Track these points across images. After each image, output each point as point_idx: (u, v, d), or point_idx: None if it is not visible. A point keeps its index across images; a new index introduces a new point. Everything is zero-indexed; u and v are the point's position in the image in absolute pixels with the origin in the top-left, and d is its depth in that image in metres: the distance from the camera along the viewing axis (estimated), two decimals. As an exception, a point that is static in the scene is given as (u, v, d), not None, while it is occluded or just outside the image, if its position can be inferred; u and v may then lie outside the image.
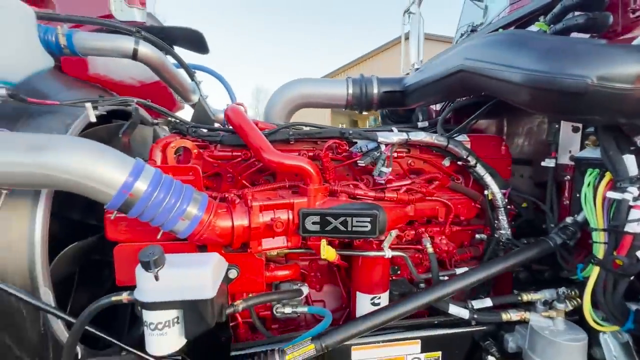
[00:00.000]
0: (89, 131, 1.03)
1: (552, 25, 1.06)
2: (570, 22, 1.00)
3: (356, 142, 1.16)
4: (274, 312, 1.14)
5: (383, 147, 1.12)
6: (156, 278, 0.67)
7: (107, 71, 1.35)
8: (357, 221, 0.92)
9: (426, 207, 1.22)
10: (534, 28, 1.13)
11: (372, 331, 1.05)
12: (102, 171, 0.70)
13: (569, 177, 1.14)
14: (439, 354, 1.09)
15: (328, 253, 0.94)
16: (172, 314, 0.72)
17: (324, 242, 0.93)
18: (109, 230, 0.93)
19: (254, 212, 0.89)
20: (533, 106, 0.95)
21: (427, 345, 1.08)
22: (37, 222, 0.87)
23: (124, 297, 0.73)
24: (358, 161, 1.11)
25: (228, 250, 0.96)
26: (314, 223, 0.93)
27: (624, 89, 0.73)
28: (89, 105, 0.98)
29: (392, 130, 1.16)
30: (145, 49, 1.20)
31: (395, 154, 1.23)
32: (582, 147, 1.10)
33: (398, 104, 1.63)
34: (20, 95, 0.86)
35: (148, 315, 0.71)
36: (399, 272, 1.29)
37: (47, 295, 0.88)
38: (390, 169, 1.10)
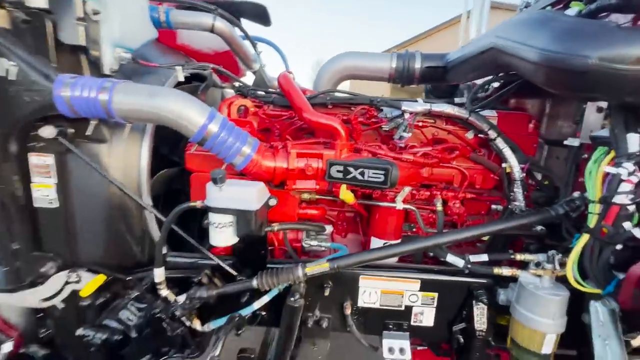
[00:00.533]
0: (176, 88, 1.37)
1: (587, 5, 1.09)
2: (604, 2, 1.03)
3: (382, 110, 1.34)
4: (303, 245, 1.42)
5: (407, 115, 1.28)
6: (220, 189, 0.97)
7: (190, 41, 1.69)
8: (372, 173, 1.13)
9: (442, 173, 1.37)
10: (573, 8, 1.16)
11: (379, 269, 1.28)
12: (191, 114, 1.00)
13: (586, 155, 1.19)
14: (435, 294, 1.28)
15: (346, 195, 1.17)
16: (229, 218, 1.02)
17: (344, 186, 1.16)
18: (188, 162, 1.27)
19: (291, 157, 1.15)
20: (548, 84, 1.03)
21: (426, 285, 1.27)
22: (143, 151, 1.24)
23: (198, 203, 1.05)
24: (383, 126, 1.30)
25: (270, 186, 1.24)
26: (338, 171, 1.16)
27: (623, 70, 0.80)
28: (179, 68, 1.31)
29: (417, 101, 1.30)
30: (220, 24, 1.49)
31: (420, 123, 1.38)
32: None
33: (439, 80, 1.72)
34: (136, 59, 1.20)
35: (213, 217, 1.03)
36: (414, 230, 1.48)
37: (148, 202, 1.26)
38: (409, 134, 1.26)
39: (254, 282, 1.14)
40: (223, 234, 1.03)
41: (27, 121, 1.06)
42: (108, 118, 1.04)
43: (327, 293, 1.25)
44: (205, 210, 1.08)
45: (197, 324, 1.22)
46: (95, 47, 1.07)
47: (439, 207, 1.30)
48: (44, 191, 1.16)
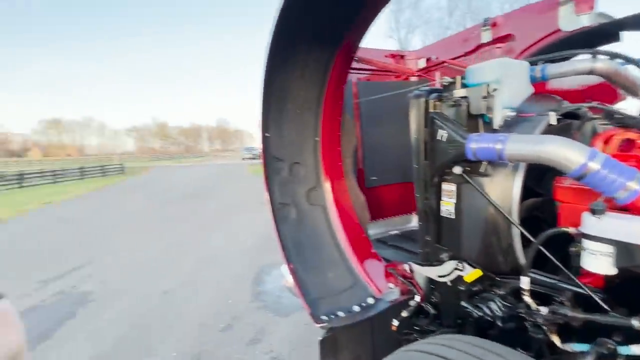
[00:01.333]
0: (548, 128, 1.60)
1: None
2: None
3: None
4: None
5: None
6: (599, 219, 1.09)
7: (560, 84, 1.85)
8: None
9: None
10: None
11: None
12: (571, 155, 1.20)
13: None
14: None
15: None
16: (607, 248, 1.10)
17: None
18: (559, 194, 1.46)
19: None
20: None
21: None
22: (516, 182, 1.58)
23: (572, 230, 1.22)
24: None
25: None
26: None
27: None
28: (552, 113, 1.55)
29: None
30: (600, 64, 1.54)
31: None
32: None
33: None
34: (516, 114, 1.59)
35: (589, 244, 1.15)
36: None
37: (515, 221, 1.59)
38: None
39: (636, 322, 1.10)
40: (599, 262, 1.13)
41: (447, 164, 1.76)
42: (497, 160, 1.49)
43: None
44: (570, 239, 1.22)
45: (556, 339, 1.35)
46: (490, 111, 1.57)
47: None
48: (448, 207, 1.83)
